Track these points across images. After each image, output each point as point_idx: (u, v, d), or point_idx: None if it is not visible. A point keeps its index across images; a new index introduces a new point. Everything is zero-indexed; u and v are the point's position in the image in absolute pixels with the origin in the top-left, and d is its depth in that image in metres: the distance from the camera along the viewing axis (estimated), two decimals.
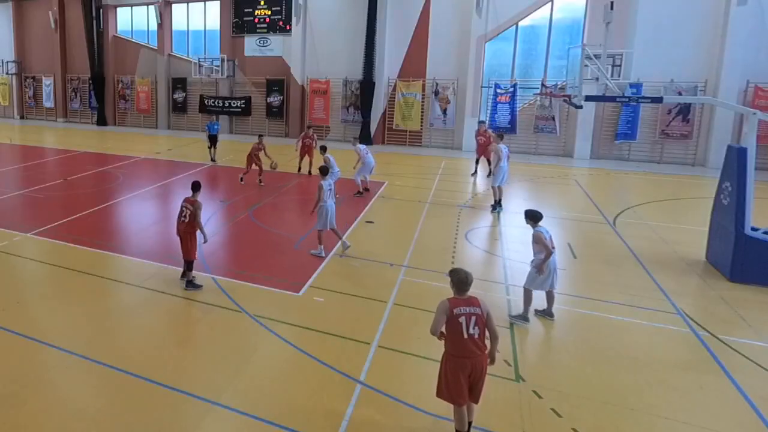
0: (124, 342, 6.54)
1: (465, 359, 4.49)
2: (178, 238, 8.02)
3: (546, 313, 7.16)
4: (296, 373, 5.82)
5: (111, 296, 7.99)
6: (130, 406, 5.23)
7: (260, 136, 15.98)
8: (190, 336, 6.63)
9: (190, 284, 7.92)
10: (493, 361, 4.71)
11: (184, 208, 7.92)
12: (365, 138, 24.00)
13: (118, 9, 31.02)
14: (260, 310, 7.30)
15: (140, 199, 13.77)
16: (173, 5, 29.23)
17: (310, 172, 16.56)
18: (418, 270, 8.83)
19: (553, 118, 21.12)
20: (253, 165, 15.31)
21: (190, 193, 8.09)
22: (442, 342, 4.70)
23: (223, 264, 9.23)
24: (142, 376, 5.70)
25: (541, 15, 21.59)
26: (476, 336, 4.49)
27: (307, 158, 16.74)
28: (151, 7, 29.26)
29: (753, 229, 8.55)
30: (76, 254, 9.50)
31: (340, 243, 9.48)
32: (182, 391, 5.45)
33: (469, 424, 4.80)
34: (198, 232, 7.88)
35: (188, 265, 7.96)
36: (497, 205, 12.65)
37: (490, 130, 16.97)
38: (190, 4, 28.90)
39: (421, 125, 23.75)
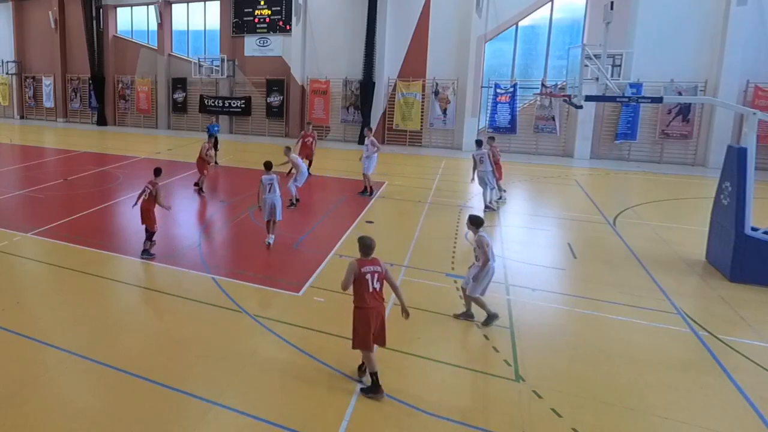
0: (124, 342, 6.53)
1: (371, 309, 5.37)
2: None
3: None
4: (296, 373, 5.82)
5: (111, 296, 8.00)
6: (130, 406, 5.23)
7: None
8: (190, 336, 6.63)
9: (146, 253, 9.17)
10: (406, 313, 5.56)
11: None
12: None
13: (118, 9, 31.01)
14: (260, 310, 7.31)
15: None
16: (173, 5, 29.22)
17: (309, 172, 16.47)
18: (418, 270, 8.83)
19: (553, 118, 21.11)
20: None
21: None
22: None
23: (223, 264, 9.23)
24: (142, 376, 5.70)
25: (541, 15, 21.58)
26: (378, 289, 5.44)
27: (306, 159, 16.59)
28: (151, 7, 29.24)
29: (753, 229, 8.55)
30: (76, 254, 9.50)
31: (272, 234, 9.94)
32: (182, 391, 5.45)
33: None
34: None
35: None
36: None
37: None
38: (190, 4, 28.89)
39: (421, 125, 23.74)
